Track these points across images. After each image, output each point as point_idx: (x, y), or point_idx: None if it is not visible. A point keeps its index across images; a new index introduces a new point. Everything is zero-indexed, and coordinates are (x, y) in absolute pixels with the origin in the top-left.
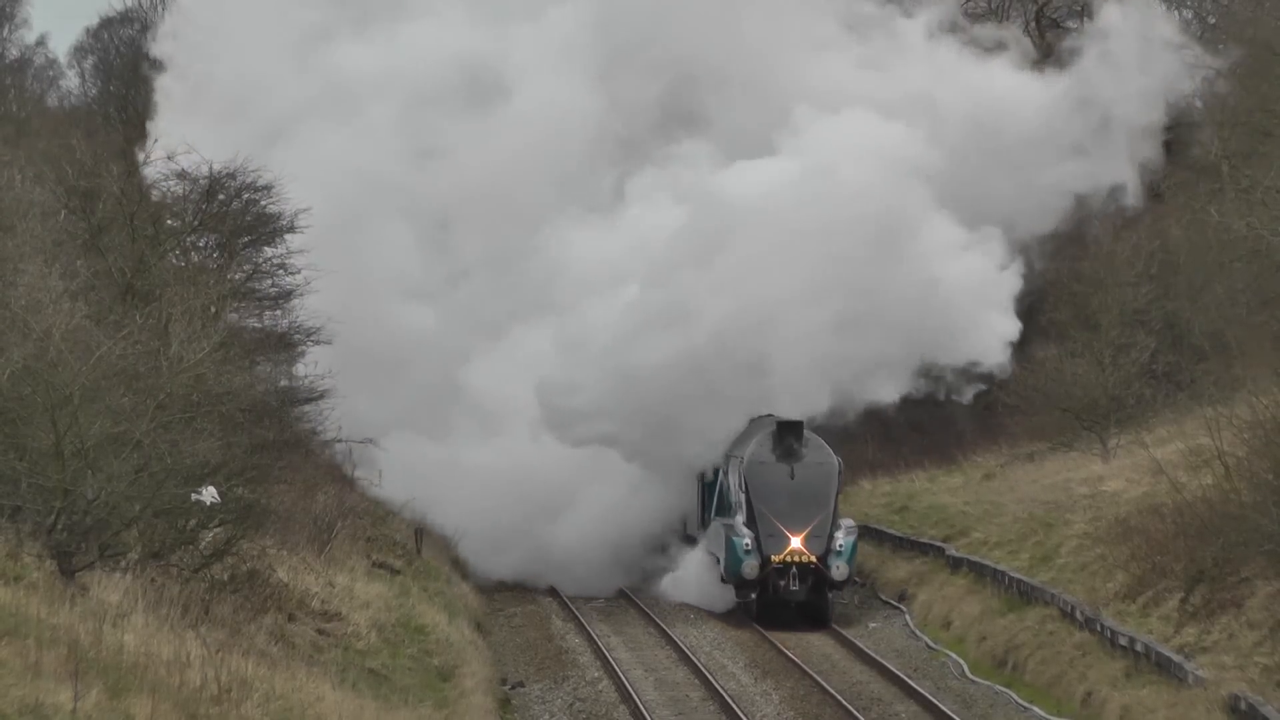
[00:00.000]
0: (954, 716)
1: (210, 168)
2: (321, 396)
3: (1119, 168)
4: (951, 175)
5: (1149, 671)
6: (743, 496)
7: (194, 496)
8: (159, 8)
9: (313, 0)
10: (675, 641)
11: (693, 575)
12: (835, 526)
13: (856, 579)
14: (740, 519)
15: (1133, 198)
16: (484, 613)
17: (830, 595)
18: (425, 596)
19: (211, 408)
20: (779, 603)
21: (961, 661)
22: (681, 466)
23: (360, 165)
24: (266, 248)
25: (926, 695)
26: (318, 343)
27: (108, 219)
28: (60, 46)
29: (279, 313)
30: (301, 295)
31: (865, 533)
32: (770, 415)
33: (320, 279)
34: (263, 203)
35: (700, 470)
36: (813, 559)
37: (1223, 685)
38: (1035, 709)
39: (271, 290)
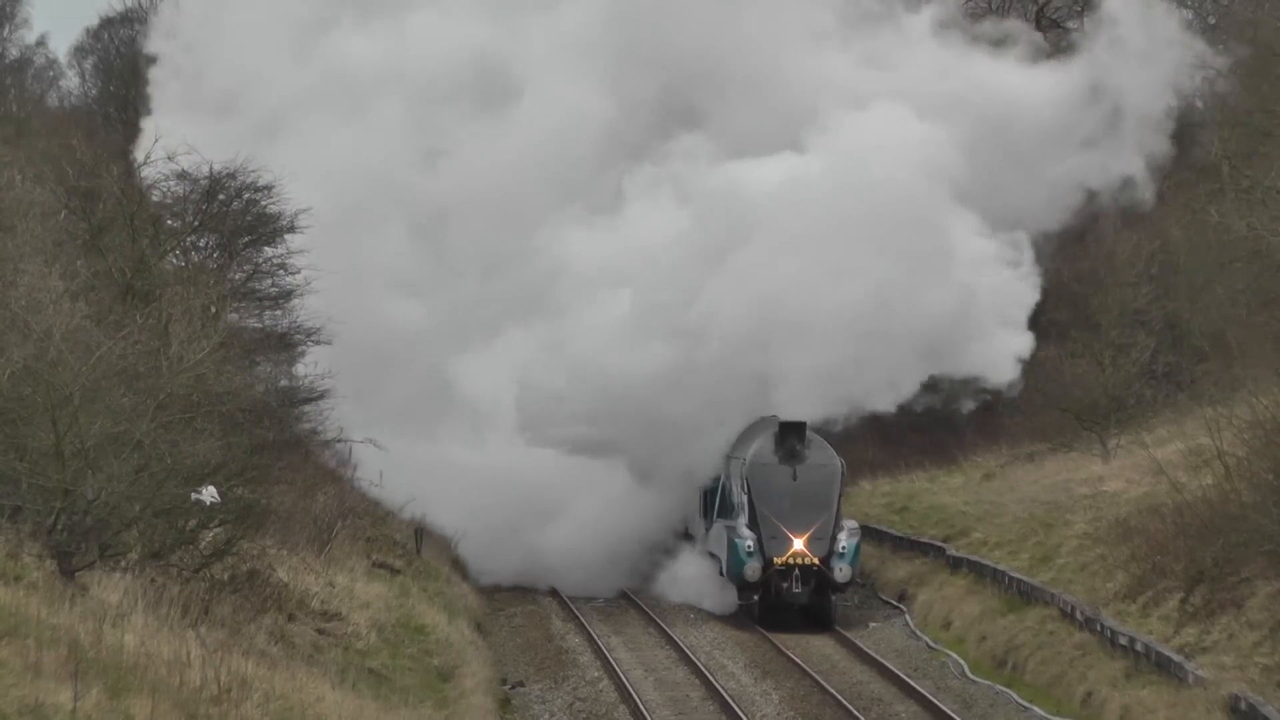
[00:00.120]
0: (954, 716)
1: (210, 168)
2: (321, 396)
3: (1129, 160)
4: (964, 172)
5: (1149, 671)
6: (745, 498)
7: (194, 496)
8: (157, 6)
9: None
10: (675, 641)
11: (694, 576)
12: (838, 528)
13: (858, 579)
14: (742, 521)
15: (1143, 190)
16: (484, 613)
17: (833, 597)
18: (425, 596)
19: (211, 408)
20: (781, 605)
21: (961, 661)
22: (678, 474)
23: (360, 162)
24: (266, 248)
25: (927, 695)
26: (318, 343)
27: (108, 219)
28: (60, 47)
29: (279, 313)
30: (301, 295)
31: (865, 533)
32: (773, 416)
33: (319, 278)
34: (263, 203)
35: (701, 483)
36: (815, 561)
37: (1223, 685)
38: (1035, 709)
39: (271, 290)
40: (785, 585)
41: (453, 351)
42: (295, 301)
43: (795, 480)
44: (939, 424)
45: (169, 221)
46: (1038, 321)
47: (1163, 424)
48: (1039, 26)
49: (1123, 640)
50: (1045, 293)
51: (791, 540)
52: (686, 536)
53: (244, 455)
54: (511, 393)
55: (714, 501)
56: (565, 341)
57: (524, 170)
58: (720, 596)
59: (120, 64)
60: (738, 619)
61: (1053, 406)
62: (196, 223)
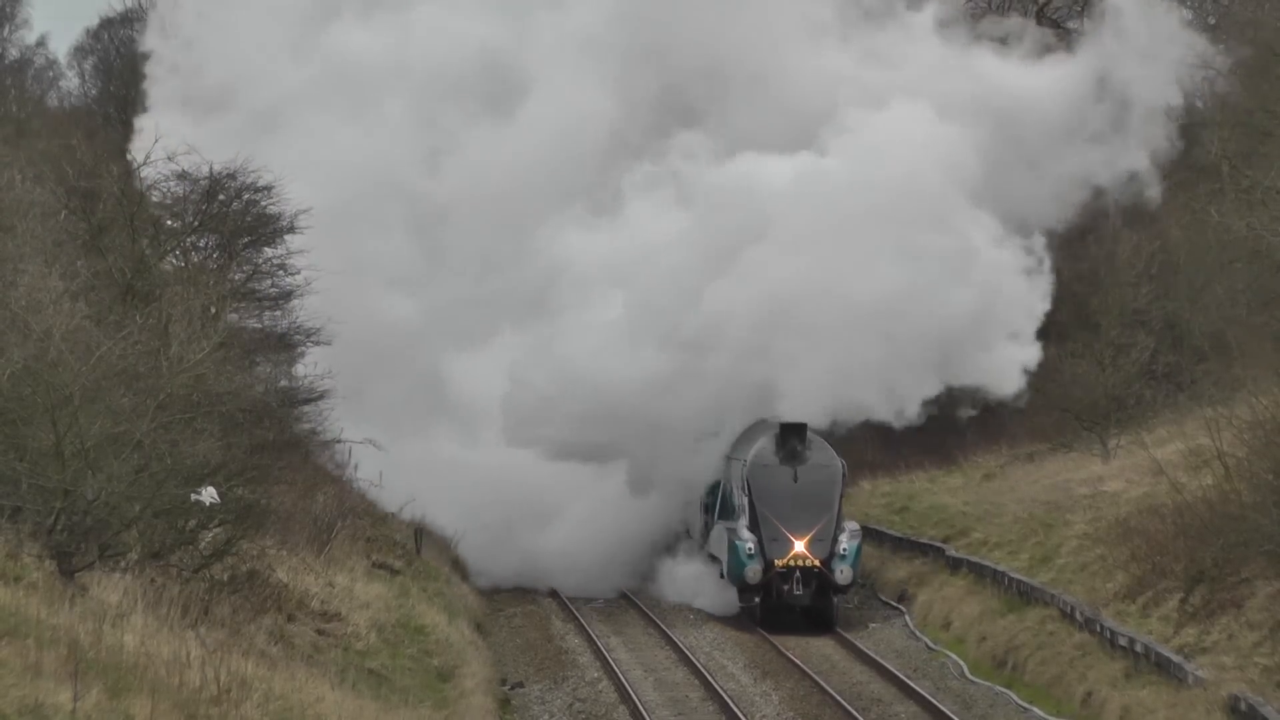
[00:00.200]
0: (954, 717)
1: (210, 168)
2: (321, 397)
3: (1134, 155)
4: (979, 172)
5: (1149, 672)
6: (746, 500)
7: (194, 497)
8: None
9: None
10: (675, 642)
11: (695, 578)
12: (839, 530)
13: (858, 580)
14: (743, 522)
15: (1149, 186)
16: (484, 613)
17: (835, 599)
18: (425, 597)
19: (211, 408)
20: (783, 607)
21: (961, 662)
22: (676, 481)
23: (361, 158)
24: (266, 248)
25: (926, 696)
26: (317, 343)
27: (108, 219)
28: (60, 47)
29: (279, 313)
30: (301, 296)
31: (865, 533)
32: (774, 417)
33: (319, 277)
34: (263, 203)
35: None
36: (816, 563)
37: (1222, 686)
38: (1035, 709)
39: (271, 291)
40: (786, 587)
41: (449, 351)
42: (295, 302)
43: (796, 482)
44: (939, 425)
45: (169, 222)
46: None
47: (1163, 424)
48: (1039, 26)
49: (1122, 641)
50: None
51: (793, 542)
52: (688, 537)
53: (244, 455)
54: (519, 389)
55: (715, 503)
56: (557, 343)
57: (526, 170)
58: (721, 598)
59: (120, 64)
60: (738, 620)
61: (1053, 407)
62: (196, 223)
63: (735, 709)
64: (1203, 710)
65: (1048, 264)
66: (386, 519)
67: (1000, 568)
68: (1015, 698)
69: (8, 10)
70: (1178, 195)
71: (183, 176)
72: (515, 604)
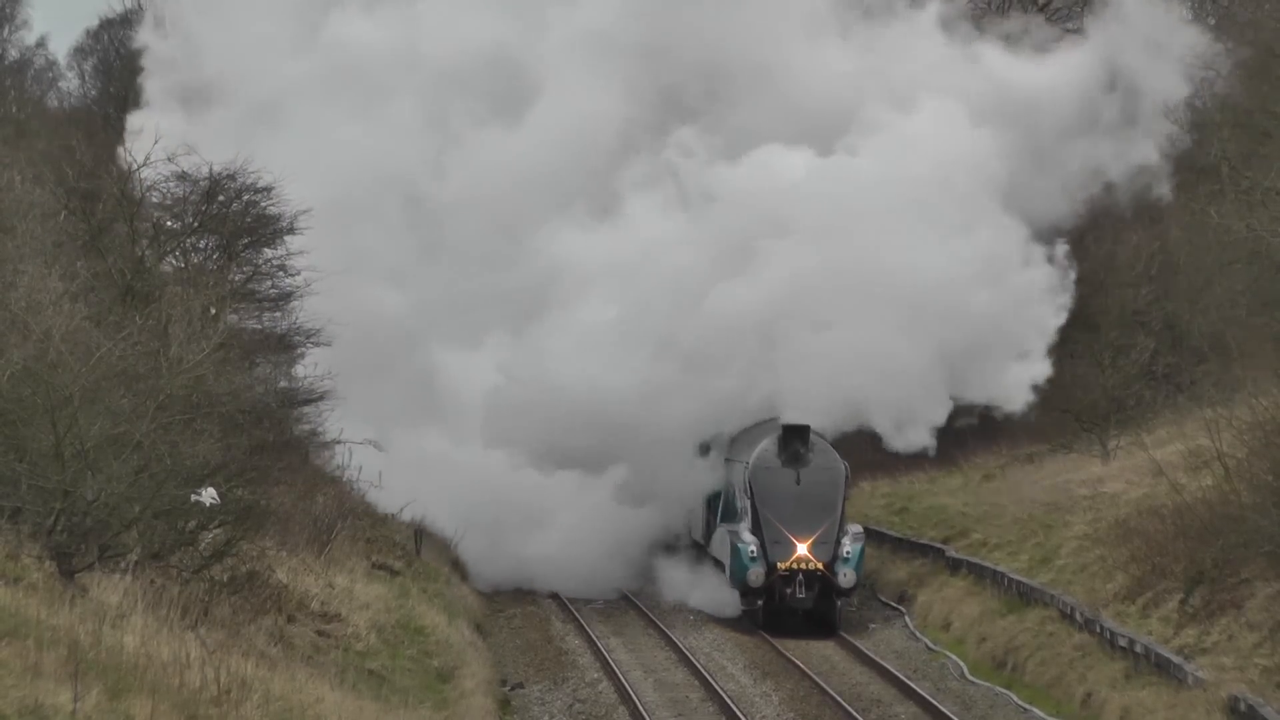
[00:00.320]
0: (954, 718)
1: (210, 169)
2: (321, 398)
3: (1145, 147)
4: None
5: (1149, 673)
6: (748, 502)
7: (194, 497)
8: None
9: None
10: (675, 643)
11: (696, 580)
12: (842, 532)
13: (860, 583)
14: (745, 525)
15: (1159, 179)
16: (484, 614)
17: (839, 603)
18: (425, 598)
19: (211, 409)
20: (785, 610)
21: (961, 663)
22: (672, 492)
23: (361, 154)
24: (266, 249)
25: (926, 696)
26: (317, 344)
27: (107, 220)
28: (60, 48)
29: (279, 314)
30: (301, 297)
31: (865, 534)
32: (775, 418)
33: (319, 277)
34: (263, 204)
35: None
36: (819, 566)
37: (1222, 686)
38: (1035, 710)
39: (271, 292)
40: (789, 590)
41: (444, 350)
42: (295, 303)
43: (799, 484)
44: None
45: (169, 223)
46: None
47: (1162, 425)
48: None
49: (1122, 641)
50: None
51: (795, 545)
52: (691, 542)
53: (244, 456)
54: (505, 393)
55: (717, 505)
56: (543, 346)
57: (531, 171)
58: (723, 600)
59: (120, 65)
60: (739, 621)
61: (1052, 408)
62: (196, 224)
63: (735, 709)
64: (1202, 711)
65: (1072, 276)
66: (386, 520)
67: (1000, 568)
68: (1015, 698)
69: (7, 11)
70: (1178, 196)
71: (182, 177)
72: (515, 605)
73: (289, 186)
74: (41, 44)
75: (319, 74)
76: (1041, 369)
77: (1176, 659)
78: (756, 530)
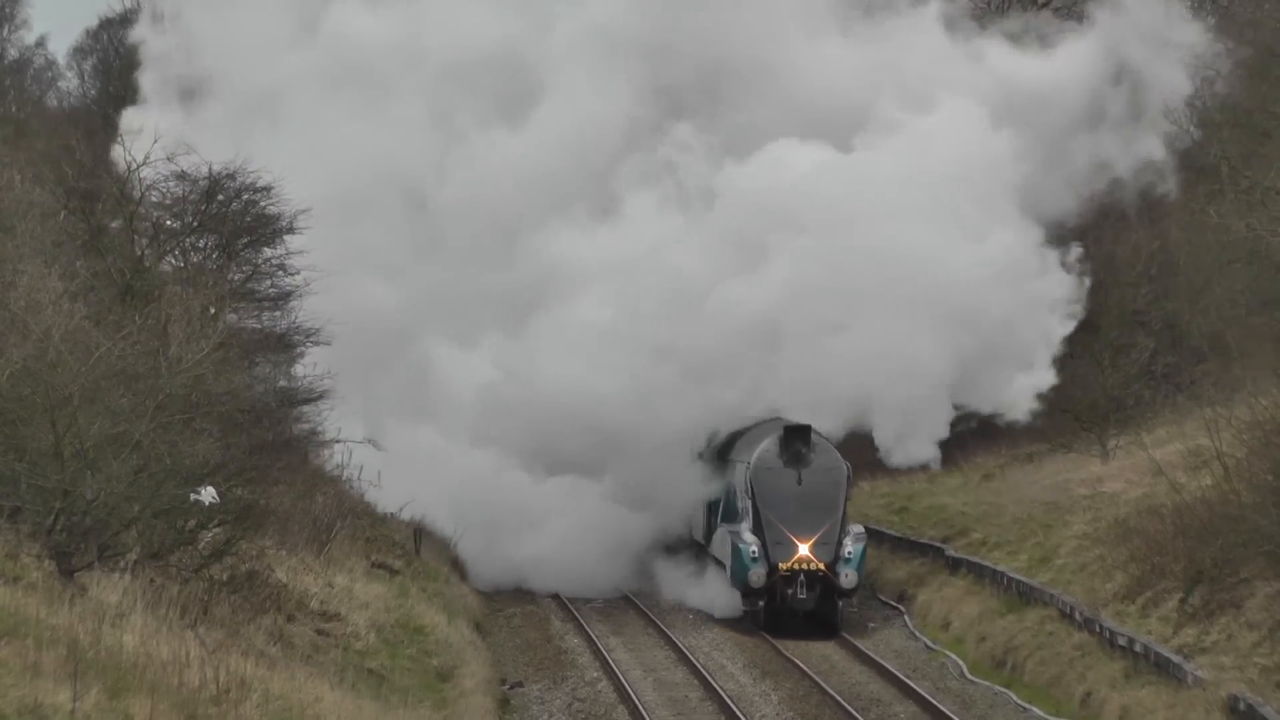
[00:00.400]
0: (953, 717)
1: (210, 168)
2: (321, 397)
3: (1151, 141)
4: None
5: (1148, 672)
6: (749, 502)
7: (193, 497)
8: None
9: None
10: (674, 642)
11: (698, 580)
12: (844, 533)
13: (862, 583)
14: (746, 525)
15: (1165, 173)
16: (483, 613)
17: (840, 604)
18: (424, 597)
19: (211, 408)
20: (787, 611)
21: (960, 662)
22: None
23: (361, 149)
24: (266, 249)
25: (926, 696)
26: (317, 344)
27: (107, 219)
28: (60, 47)
29: (278, 314)
30: (300, 297)
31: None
32: (776, 419)
33: (318, 274)
34: (262, 204)
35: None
36: (821, 566)
37: (1222, 686)
38: (1034, 709)
39: (271, 291)
40: (790, 591)
41: (442, 348)
42: (294, 303)
43: (800, 484)
44: None
45: (168, 222)
46: None
47: (1162, 425)
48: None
49: (1122, 641)
50: None
51: (797, 545)
52: (692, 542)
53: (243, 455)
54: (496, 395)
55: (718, 506)
56: (531, 348)
57: (534, 172)
58: (723, 601)
59: (120, 65)
60: (738, 621)
61: (1052, 407)
62: (196, 223)
63: (735, 709)
64: (1202, 710)
65: (1086, 284)
66: (386, 519)
67: (1000, 568)
68: (1014, 698)
69: (7, 10)
70: (1182, 193)
71: (182, 177)
72: (514, 604)
73: (288, 182)
74: (41, 43)
75: (319, 68)
76: (1046, 378)
77: (1176, 658)
78: (758, 530)
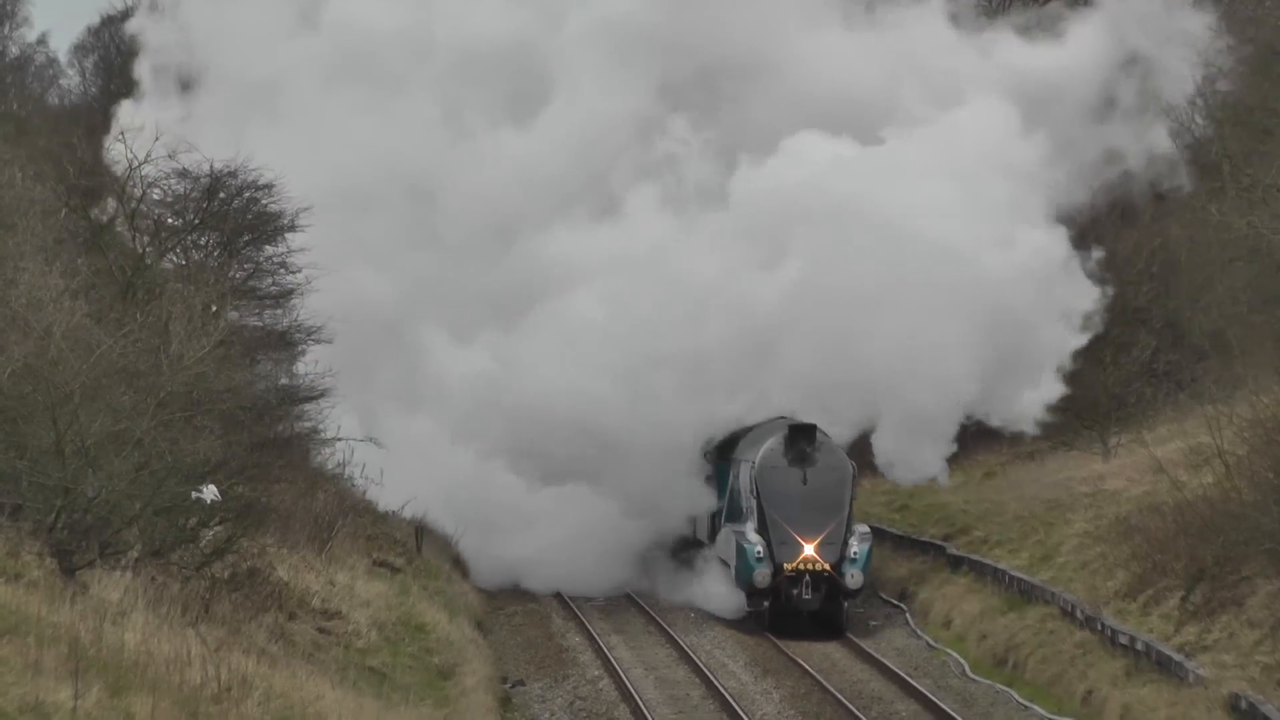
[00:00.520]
0: (954, 715)
1: (211, 166)
2: (322, 395)
3: (1158, 133)
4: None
5: (1149, 670)
6: (754, 502)
7: (194, 495)
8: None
9: None
10: (676, 640)
11: (700, 580)
12: (849, 533)
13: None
14: (751, 525)
15: (1177, 165)
16: (484, 611)
17: (845, 604)
18: (426, 595)
19: (212, 406)
20: (792, 611)
21: (962, 660)
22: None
23: (362, 144)
24: (267, 246)
25: (927, 694)
26: (318, 341)
27: (108, 217)
28: (61, 45)
29: (280, 311)
30: (302, 294)
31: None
32: (781, 418)
33: (320, 269)
34: (264, 201)
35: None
36: (826, 566)
37: (1223, 684)
38: (1036, 708)
39: (272, 289)
40: (796, 591)
41: (440, 347)
42: (296, 300)
43: (805, 484)
44: None
45: (169, 220)
46: None
47: (1163, 422)
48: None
49: (1123, 639)
50: None
51: (802, 545)
52: (695, 542)
53: (244, 453)
54: (495, 395)
55: (721, 505)
56: (519, 349)
57: (539, 173)
58: (727, 600)
59: (121, 62)
60: (742, 621)
61: (1053, 406)
62: (197, 221)
63: (736, 707)
64: (1203, 708)
65: (1110, 291)
66: (387, 517)
67: (1001, 566)
68: (1016, 696)
69: (8, 8)
70: (1178, 194)
71: (183, 174)
72: (516, 602)
73: (289, 174)
74: (42, 41)
75: (321, 59)
76: (1054, 390)
77: (1177, 656)
78: (763, 530)
